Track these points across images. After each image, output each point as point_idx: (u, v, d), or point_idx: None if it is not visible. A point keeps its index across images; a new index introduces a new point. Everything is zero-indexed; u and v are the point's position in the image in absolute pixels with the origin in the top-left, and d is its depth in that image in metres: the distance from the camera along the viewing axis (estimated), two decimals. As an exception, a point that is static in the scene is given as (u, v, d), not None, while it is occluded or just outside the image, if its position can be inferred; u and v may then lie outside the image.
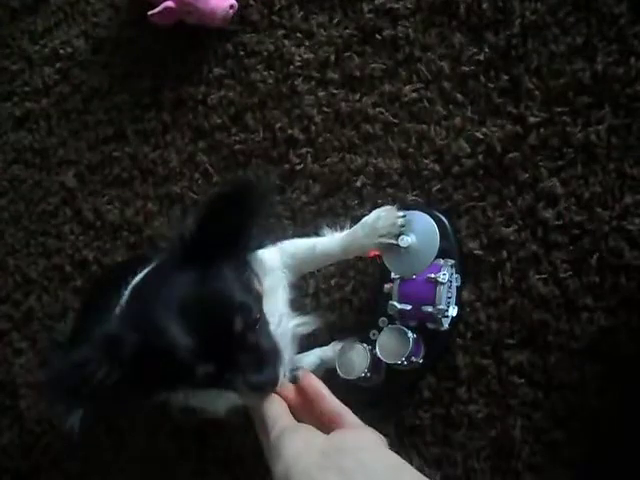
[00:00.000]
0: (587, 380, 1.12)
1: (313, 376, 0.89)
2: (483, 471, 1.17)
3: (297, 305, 1.12)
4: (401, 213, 1.08)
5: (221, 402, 1.03)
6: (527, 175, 1.17)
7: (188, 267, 0.86)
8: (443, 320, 1.14)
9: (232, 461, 1.32)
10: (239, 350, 0.85)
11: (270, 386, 0.87)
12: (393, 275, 1.14)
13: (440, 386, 1.20)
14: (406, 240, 1.05)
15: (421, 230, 1.06)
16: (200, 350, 0.82)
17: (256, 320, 0.88)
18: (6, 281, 1.66)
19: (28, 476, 1.54)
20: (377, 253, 1.11)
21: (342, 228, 1.14)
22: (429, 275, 1.11)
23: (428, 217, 1.08)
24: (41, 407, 1.56)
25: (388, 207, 1.11)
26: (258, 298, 0.93)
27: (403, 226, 1.07)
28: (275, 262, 1.09)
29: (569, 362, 1.13)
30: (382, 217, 1.08)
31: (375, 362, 1.14)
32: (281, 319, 0.99)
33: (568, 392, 1.13)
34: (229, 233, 0.87)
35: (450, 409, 1.19)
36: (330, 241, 1.13)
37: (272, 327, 0.93)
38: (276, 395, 0.87)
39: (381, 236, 1.07)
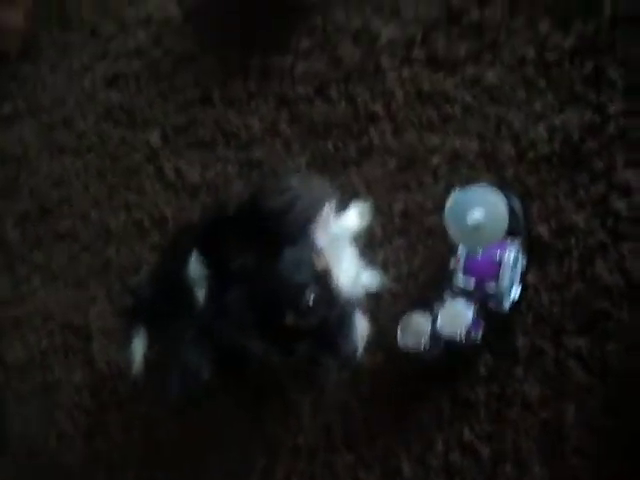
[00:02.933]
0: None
1: None
2: (530, 450, 1.19)
3: (367, 259, 1.17)
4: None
5: None
6: (602, 164, 1.18)
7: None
8: (504, 300, 1.16)
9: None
10: (305, 336, 0.89)
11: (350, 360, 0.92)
12: (460, 250, 1.16)
13: (497, 364, 1.22)
14: (475, 215, 1.06)
15: (491, 206, 1.07)
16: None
17: (312, 304, 0.92)
18: (88, 231, 1.74)
19: (95, 414, 1.62)
20: None
21: None
22: (495, 252, 1.14)
23: (499, 193, 1.08)
24: (111, 352, 1.64)
25: None
26: (321, 274, 0.96)
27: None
28: (339, 228, 1.14)
29: (626, 352, 1.15)
30: None
31: (435, 334, 1.17)
32: (352, 278, 1.03)
33: (623, 381, 1.14)
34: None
35: (505, 387, 1.21)
36: None
37: (345, 286, 0.97)
38: None
39: None
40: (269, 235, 0.90)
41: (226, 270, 0.90)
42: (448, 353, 1.20)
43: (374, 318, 1.27)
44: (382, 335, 1.28)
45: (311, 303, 0.92)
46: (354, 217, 1.33)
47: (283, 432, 1.38)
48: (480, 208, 1.06)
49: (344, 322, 0.96)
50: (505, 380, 1.22)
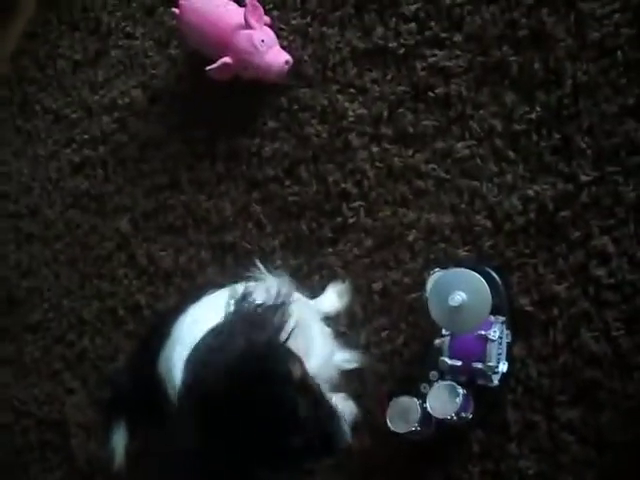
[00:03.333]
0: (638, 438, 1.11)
1: None
2: (531, 527, 1.17)
3: (343, 341, 1.18)
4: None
5: None
6: (579, 233, 1.18)
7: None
8: (493, 376, 1.15)
9: None
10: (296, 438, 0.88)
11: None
12: (444, 331, 1.15)
13: (490, 441, 1.20)
14: (457, 299, 1.06)
15: (472, 289, 1.07)
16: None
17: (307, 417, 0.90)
18: (61, 322, 1.71)
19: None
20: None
21: None
22: (480, 332, 1.13)
23: (479, 276, 1.09)
24: (91, 447, 1.59)
25: None
26: (301, 384, 0.94)
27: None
28: (307, 314, 1.12)
29: (622, 421, 1.13)
30: None
31: (425, 416, 1.15)
32: (325, 359, 1.02)
33: (621, 451, 1.12)
34: None
35: (500, 464, 1.19)
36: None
37: (316, 370, 0.95)
38: None
39: None
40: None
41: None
42: (439, 432, 1.19)
43: (361, 399, 1.25)
44: (371, 416, 1.27)
45: (305, 414, 0.90)
46: (332, 298, 1.31)
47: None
48: (461, 291, 1.06)
49: (333, 417, 0.94)
50: (499, 456, 1.20)
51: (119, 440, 1.31)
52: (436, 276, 1.09)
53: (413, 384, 1.19)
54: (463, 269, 1.09)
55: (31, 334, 1.75)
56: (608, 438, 1.13)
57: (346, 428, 0.95)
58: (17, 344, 1.76)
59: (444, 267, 1.19)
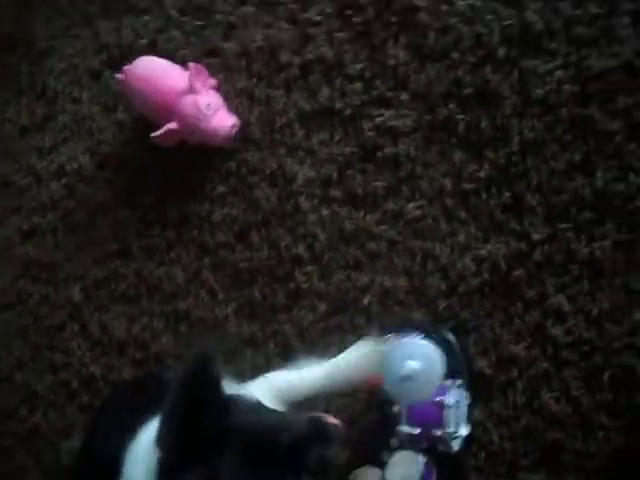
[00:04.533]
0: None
1: None
2: None
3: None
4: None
5: None
6: (533, 292, 1.17)
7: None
8: (453, 442, 1.12)
9: None
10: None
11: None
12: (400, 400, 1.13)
13: (456, 510, 1.17)
14: (407, 368, 1.03)
15: (423, 356, 1.05)
16: None
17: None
18: (12, 396, 1.65)
19: None
20: (376, 382, 1.11)
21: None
22: (435, 399, 1.10)
23: (429, 343, 1.07)
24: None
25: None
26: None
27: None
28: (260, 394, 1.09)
29: (585, 481, 1.11)
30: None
31: (387, 486, 1.12)
32: None
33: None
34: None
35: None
36: (315, 374, 1.13)
37: None
38: None
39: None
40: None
41: None
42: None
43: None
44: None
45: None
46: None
47: None
48: (412, 361, 1.03)
49: None
50: (466, 527, 1.16)
51: None
52: (386, 348, 1.07)
53: (374, 453, 1.16)
54: (412, 338, 1.07)
55: (-18, 409, 1.68)
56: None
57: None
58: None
59: (398, 332, 1.16)
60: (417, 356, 1.04)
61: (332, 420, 0.91)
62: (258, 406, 0.93)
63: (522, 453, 1.15)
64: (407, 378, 1.03)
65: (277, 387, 1.11)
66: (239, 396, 0.94)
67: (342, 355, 1.13)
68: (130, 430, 0.96)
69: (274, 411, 0.94)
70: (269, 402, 1.07)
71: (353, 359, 1.11)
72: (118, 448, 0.97)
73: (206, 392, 0.83)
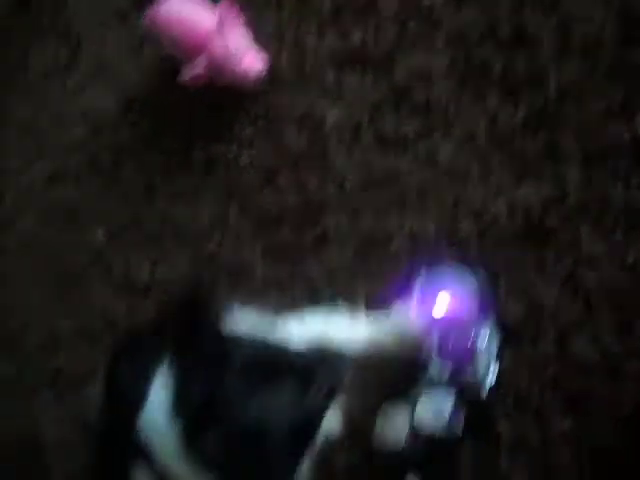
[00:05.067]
0: (632, 447, 1.09)
1: None
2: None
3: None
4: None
5: None
6: (567, 238, 1.15)
7: None
8: (481, 387, 1.12)
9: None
10: None
11: None
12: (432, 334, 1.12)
13: (480, 455, 1.16)
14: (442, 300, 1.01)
15: (458, 289, 1.03)
16: None
17: None
18: (35, 340, 1.65)
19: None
20: None
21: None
22: (467, 339, 1.10)
23: (465, 276, 1.04)
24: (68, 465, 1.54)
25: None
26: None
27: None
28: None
29: (614, 430, 1.10)
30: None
31: (415, 428, 1.11)
32: None
33: (614, 461, 1.10)
34: None
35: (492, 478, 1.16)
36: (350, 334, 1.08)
37: None
38: None
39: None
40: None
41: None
42: (428, 447, 1.15)
43: (347, 414, 1.21)
44: (356, 432, 1.23)
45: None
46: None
47: None
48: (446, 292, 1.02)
49: None
50: (490, 472, 1.16)
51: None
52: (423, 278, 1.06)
53: (403, 396, 1.16)
54: (447, 270, 1.05)
55: (2, 352, 1.69)
56: (601, 447, 1.10)
57: None
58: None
59: (430, 269, 1.16)
60: (451, 288, 1.01)
61: None
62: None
63: (550, 400, 1.14)
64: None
65: (312, 332, 1.07)
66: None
67: (383, 323, 1.09)
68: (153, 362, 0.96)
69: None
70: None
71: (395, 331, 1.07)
72: (141, 382, 0.97)
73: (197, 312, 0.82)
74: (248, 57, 1.38)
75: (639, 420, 1.09)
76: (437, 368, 1.11)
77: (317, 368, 0.87)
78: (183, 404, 0.83)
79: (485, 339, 1.10)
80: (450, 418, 1.09)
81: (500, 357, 1.15)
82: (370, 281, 1.27)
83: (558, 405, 1.14)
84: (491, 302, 1.15)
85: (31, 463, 1.58)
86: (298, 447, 0.88)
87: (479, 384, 1.11)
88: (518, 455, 1.15)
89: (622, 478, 1.10)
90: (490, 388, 1.13)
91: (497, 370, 1.14)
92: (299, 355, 0.88)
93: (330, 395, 0.89)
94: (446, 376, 1.11)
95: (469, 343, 1.09)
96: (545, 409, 1.14)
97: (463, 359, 1.10)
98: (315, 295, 1.28)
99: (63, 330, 1.61)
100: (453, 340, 1.10)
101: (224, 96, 1.46)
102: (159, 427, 0.89)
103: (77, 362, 1.58)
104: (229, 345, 0.85)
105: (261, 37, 1.44)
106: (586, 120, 1.16)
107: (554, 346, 1.14)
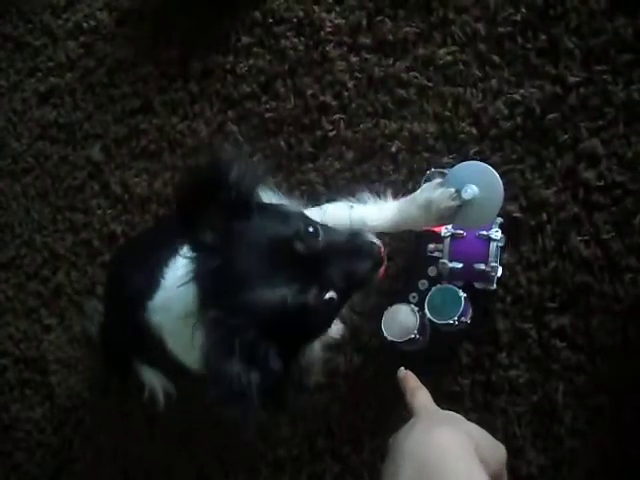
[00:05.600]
0: (631, 342, 1.10)
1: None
2: (524, 437, 1.15)
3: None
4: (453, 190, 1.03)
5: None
6: (567, 136, 1.15)
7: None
8: (493, 279, 1.12)
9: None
10: (326, 263, 0.84)
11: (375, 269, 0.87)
12: (444, 233, 1.12)
13: (480, 351, 1.18)
14: (470, 192, 0.99)
15: (486, 182, 1.01)
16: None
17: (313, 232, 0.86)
18: (34, 258, 1.65)
19: (60, 450, 1.54)
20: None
21: (380, 195, 1.10)
22: (481, 232, 1.10)
23: (491, 168, 1.02)
24: (71, 383, 1.56)
25: (438, 183, 1.01)
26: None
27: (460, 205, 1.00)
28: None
29: (612, 325, 1.12)
30: (436, 200, 0.99)
31: (423, 323, 1.13)
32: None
33: (611, 355, 1.11)
34: None
35: (490, 375, 1.18)
36: (379, 215, 1.06)
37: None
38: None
39: (438, 219, 1.01)
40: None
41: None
42: (430, 344, 1.16)
43: (348, 317, 1.22)
44: (358, 333, 1.25)
45: (311, 229, 0.85)
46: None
47: (261, 445, 1.32)
48: (472, 186, 0.99)
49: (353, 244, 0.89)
50: (489, 367, 1.18)
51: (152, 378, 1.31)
52: (450, 170, 1.03)
53: (401, 296, 1.17)
54: (475, 162, 1.03)
55: (4, 272, 1.69)
56: (598, 343, 1.12)
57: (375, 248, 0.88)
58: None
59: (439, 168, 1.15)
60: (479, 181, 0.99)
61: (374, 239, 0.89)
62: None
63: (549, 297, 1.15)
64: (467, 203, 0.99)
65: (337, 217, 1.05)
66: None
67: (412, 198, 1.03)
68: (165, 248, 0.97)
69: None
70: None
71: (424, 204, 1.01)
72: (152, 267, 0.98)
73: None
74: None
75: (637, 315, 1.11)
76: (447, 267, 1.12)
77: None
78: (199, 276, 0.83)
79: (499, 230, 1.11)
80: (462, 308, 1.10)
81: (503, 252, 1.16)
82: (370, 184, 1.26)
83: (557, 302, 1.15)
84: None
85: (36, 384, 1.60)
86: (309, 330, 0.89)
87: (492, 277, 1.12)
88: (517, 351, 1.16)
89: (620, 371, 1.11)
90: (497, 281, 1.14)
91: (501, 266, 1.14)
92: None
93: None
94: (456, 271, 1.11)
95: (484, 234, 1.10)
96: (544, 306, 1.15)
97: (477, 253, 1.10)
98: (316, 199, 1.27)
99: (62, 248, 1.62)
100: (466, 237, 1.11)
101: (219, 5, 1.44)
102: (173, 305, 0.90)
103: (77, 278, 1.59)
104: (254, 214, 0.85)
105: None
106: (588, 17, 1.15)
107: (554, 243, 1.15)
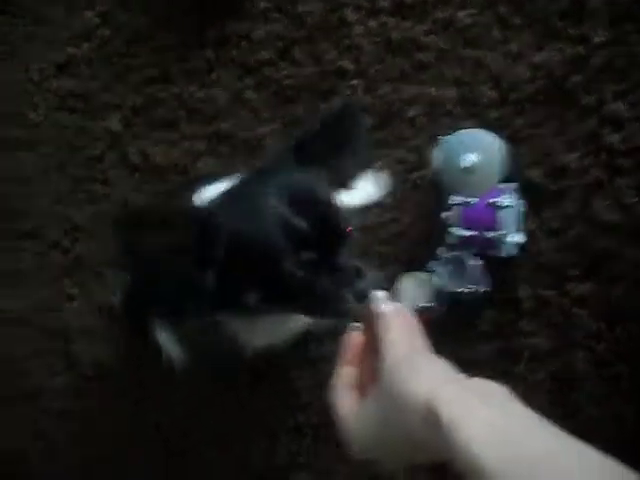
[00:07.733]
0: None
1: None
2: (542, 405, 1.14)
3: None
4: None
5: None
6: (590, 99, 1.13)
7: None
8: (503, 247, 1.11)
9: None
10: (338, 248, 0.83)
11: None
12: (453, 201, 1.11)
13: (501, 318, 1.17)
14: (469, 159, 0.99)
15: (484, 148, 1.01)
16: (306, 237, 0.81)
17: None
18: (53, 229, 1.66)
19: (79, 417, 1.56)
20: None
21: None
22: (489, 200, 1.08)
23: (491, 135, 1.02)
24: (94, 351, 1.57)
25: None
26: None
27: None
28: None
29: (634, 292, 1.10)
30: None
31: (438, 291, 1.12)
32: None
33: (632, 324, 1.10)
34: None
35: (510, 342, 1.17)
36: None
37: None
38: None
39: None
40: None
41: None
42: (449, 311, 1.16)
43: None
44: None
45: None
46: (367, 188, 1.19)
47: (282, 411, 1.32)
48: (473, 152, 0.99)
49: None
50: (510, 334, 1.17)
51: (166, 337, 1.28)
52: (445, 139, 1.03)
53: (421, 264, 1.16)
54: (473, 130, 1.03)
55: (24, 242, 1.70)
56: (620, 311, 1.11)
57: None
58: (11, 253, 1.71)
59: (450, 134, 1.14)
60: (477, 148, 0.99)
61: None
62: None
63: (570, 264, 1.14)
64: (467, 171, 0.99)
65: None
66: None
67: None
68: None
69: None
70: None
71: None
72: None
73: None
74: None
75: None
76: (457, 235, 1.11)
77: None
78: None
79: (509, 198, 1.09)
80: (478, 276, 1.10)
81: (525, 219, 1.14)
82: (388, 150, 1.25)
83: (579, 268, 1.13)
84: (514, 163, 1.14)
85: (59, 352, 1.62)
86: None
87: (501, 242, 1.10)
88: (537, 319, 1.15)
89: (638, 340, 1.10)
90: (517, 248, 1.12)
91: (522, 232, 1.13)
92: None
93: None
94: (467, 239, 1.10)
95: (492, 202, 1.08)
96: (565, 273, 1.14)
97: (486, 220, 1.09)
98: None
99: (81, 218, 1.62)
100: (475, 205, 1.09)
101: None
102: None
103: (97, 249, 1.59)
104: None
105: None
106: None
107: (576, 208, 1.13)
